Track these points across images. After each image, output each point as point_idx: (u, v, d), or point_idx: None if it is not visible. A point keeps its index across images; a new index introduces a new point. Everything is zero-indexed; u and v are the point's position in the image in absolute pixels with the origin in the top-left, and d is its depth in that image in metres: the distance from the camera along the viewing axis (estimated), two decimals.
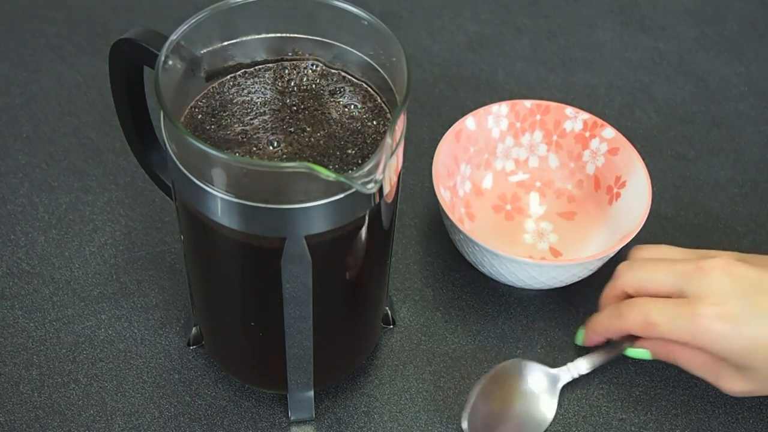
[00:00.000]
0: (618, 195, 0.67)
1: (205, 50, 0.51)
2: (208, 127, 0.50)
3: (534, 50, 0.84)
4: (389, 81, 0.51)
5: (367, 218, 0.49)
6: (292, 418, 0.59)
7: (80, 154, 0.73)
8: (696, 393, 0.61)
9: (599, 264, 0.63)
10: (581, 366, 0.60)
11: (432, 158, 0.65)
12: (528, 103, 0.70)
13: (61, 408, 0.58)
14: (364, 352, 0.60)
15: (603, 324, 0.59)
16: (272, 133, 0.50)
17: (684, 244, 0.69)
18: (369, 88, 0.53)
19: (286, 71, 0.53)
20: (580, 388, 0.61)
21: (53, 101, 0.77)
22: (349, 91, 0.53)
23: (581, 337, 0.62)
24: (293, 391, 0.57)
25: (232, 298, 0.53)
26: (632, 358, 0.61)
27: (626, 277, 0.58)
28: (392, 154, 0.47)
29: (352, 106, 0.52)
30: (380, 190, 0.48)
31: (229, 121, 0.51)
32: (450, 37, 0.85)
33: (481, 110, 0.69)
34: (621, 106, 0.80)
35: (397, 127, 0.46)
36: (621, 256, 0.68)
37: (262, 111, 0.51)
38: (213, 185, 0.46)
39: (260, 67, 0.53)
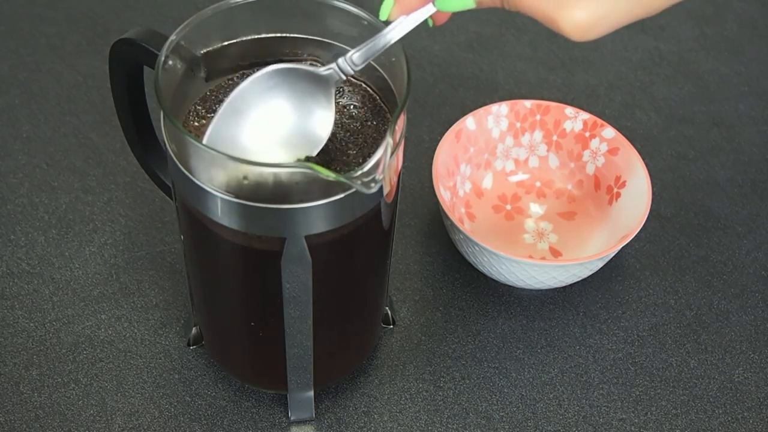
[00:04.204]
0: (618, 195, 0.67)
1: (205, 50, 0.51)
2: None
3: (534, 50, 0.84)
4: (389, 81, 0.51)
5: (367, 218, 0.49)
6: (292, 418, 0.59)
7: (80, 154, 0.73)
8: (696, 393, 0.61)
9: (599, 264, 0.63)
10: (357, 57, 0.47)
11: (432, 158, 0.65)
12: (528, 103, 0.70)
13: (61, 408, 0.58)
14: (364, 352, 0.60)
15: None
16: None
17: (684, 244, 0.69)
18: (368, 88, 0.53)
19: None
20: (580, 388, 0.61)
21: (53, 101, 0.77)
22: (349, 91, 0.53)
23: (388, 8, 0.47)
24: (293, 391, 0.57)
25: (232, 298, 0.53)
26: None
27: None
28: (392, 154, 0.47)
29: (352, 107, 0.52)
30: (380, 190, 0.48)
31: None
32: (450, 37, 0.85)
33: (481, 110, 0.69)
34: (621, 106, 0.80)
35: (397, 127, 0.46)
36: (621, 256, 0.68)
37: None
38: (213, 185, 0.46)
39: (259, 68, 0.53)
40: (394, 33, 0.47)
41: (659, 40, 0.86)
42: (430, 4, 0.47)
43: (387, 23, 0.48)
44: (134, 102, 0.55)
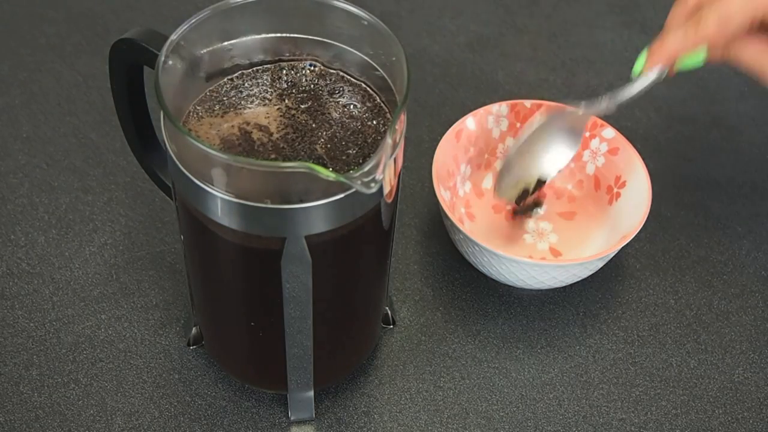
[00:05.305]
0: (618, 195, 0.67)
1: (205, 50, 0.51)
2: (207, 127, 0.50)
3: (534, 50, 0.85)
4: (389, 81, 0.51)
5: (367, 218, 0.49)
6: (292, 418, 0.59)
7: (80, 154, 0.73)
8: (696, 393, 0.61)
9: (599, 264, 0.63)
10: (611, 101, 0.60)
11: (432, 158, 0.65)
12: (528, 103, 0.70)
13: (61, 408, 0.58)
14: (364, 352, 0.60)
15: (676, 42, 0.57)
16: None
17: (684, 244, 0.69)
18: (368, 88, 0.53)
19: (284, 72, 0.53)
20: (580, 388, 0.61)
21: (53, 101, 0.77)
22: (348, 91, 0.53)
23: (641, 64, 0.60)
24: (293, 391, 0.57)
25: (232, 298, 0.53)
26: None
27: None
28: (392, 154, 0.47)
29: (352, 106, 0.52)
30: (380, 190, 0.48)
31: (229, 121, 0.51)
32: (450, 37, 0.85)
33: (481, 110, 0.69)
34: (621, 106, 0.80)
35: (397, 127, 0.46)
36: (621, 256, 0.68)
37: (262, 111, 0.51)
38: (213, 185, 0.46)
39: (259, 68, 0.53)
40: (640, 83, 0.60)
41: None
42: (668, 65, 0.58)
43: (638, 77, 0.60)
44: (134, 102, 0.55)
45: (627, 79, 0.83)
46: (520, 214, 0.67)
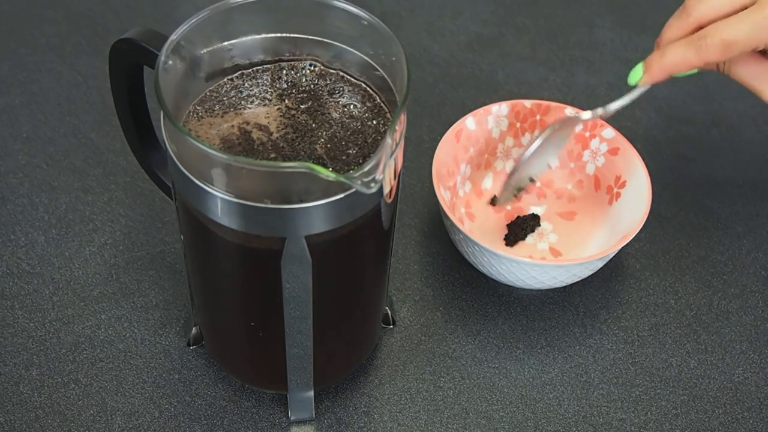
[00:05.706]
0: (618, 195, 0.67)
1: (205, 50, 0.51)
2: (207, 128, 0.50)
3: (534, 50, 0.85)
4: (389, 81, 0.51)
5: (367, 218, 0.49)
6: (292, 418, 0.59)
7: (80, 154, 0.73)
8: (696, 393, 0.61)
9: (600, 264, 0.63)
10: (610, 107, 0.61)
11: (432, 158, 0.65)
12: (528, 103, 0.70)
13: (61, 408, 0.58)
14: (364, 352, 0.60)
15: (675, 61, 0.57)
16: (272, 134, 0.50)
17: (684, 244, 0.69)
18: (368, 88, 0.53)
19: (284, 72, 0.53)
20: (580, 388, 0.61)
21: (53, 101, 0.77)
22: (348, 91, 0.53)
23: (638, 75, 0.59)
24: (293, 391, 0.57)
25: (232, 298, 0.53)
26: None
27: (701, 9, 0.56)
28: (392, 154, 0.47)
29: (352, 106, 0.52)
30: (380, 190, 0.48)
31: (229, 121, 0.51)
32: (450, 37, 0.85)
33: (481, 110, 0.69)
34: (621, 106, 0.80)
35: (397, 127, 0.46)
36: (621, 256, 0.68)
37: (262, 111, 0.51)
38: (213, 185, 0.46)
39: (259, 68, 0.53)
40: (635, 93, 0.60)
41: None
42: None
43: (633, 86, 0.59)
44: (134, 102, 0.55)
45: (626, 78, 0.83)
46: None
